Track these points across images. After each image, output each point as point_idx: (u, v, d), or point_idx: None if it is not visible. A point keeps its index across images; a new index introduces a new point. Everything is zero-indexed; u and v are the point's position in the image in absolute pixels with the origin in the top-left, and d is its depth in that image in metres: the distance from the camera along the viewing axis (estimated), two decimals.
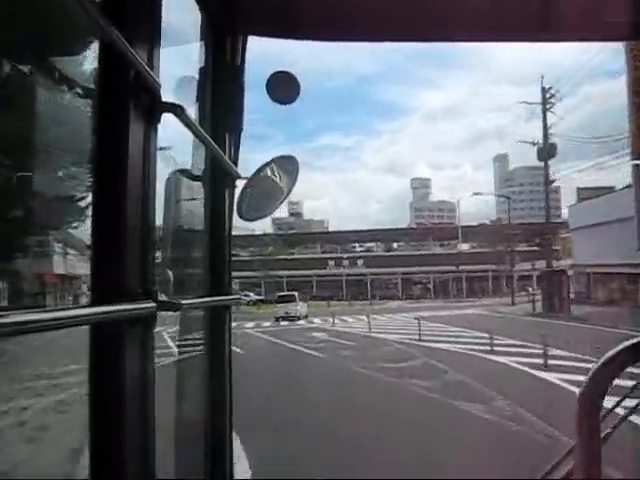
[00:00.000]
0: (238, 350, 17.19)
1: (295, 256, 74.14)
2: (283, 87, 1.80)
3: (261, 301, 57.54)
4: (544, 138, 34.95)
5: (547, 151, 34.73)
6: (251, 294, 61.18)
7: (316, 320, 35.20)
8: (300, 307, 38.85)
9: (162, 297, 1.10)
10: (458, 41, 1.98)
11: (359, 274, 70.59)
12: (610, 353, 1.02)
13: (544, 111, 34.96)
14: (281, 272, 63.34)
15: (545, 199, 36.94)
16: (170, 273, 1.61)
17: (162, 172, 1.29)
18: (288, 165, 1.92)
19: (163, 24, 1.13)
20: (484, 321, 27.17)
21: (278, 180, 1.89)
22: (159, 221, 1.40)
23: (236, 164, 1.77)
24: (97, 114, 1.01)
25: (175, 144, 1.68)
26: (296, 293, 40.70)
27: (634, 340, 1.04)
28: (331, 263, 73.78)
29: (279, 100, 1.80)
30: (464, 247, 74.67)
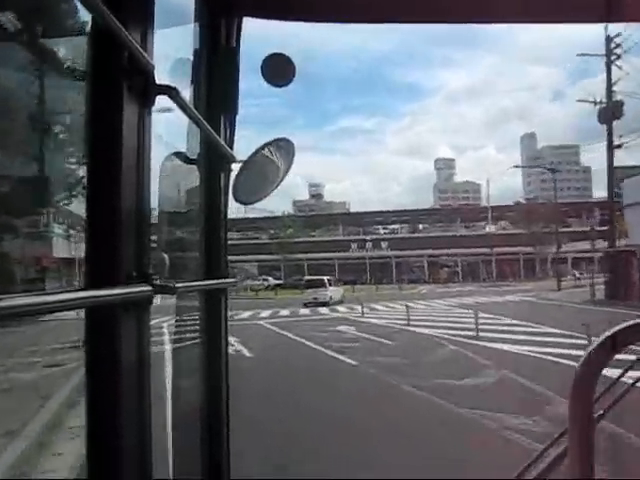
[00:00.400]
0: (245, 351, 14.91)
1: (316, 238, 71.16)
2: (278, 69, 1.78)
3: (279, 286, 55.35)
4: (608, 96, 30.97)
5: (611, 111, 30.50)
6: (270, 278, 59.73)
7: (340, 309, 31.51)
8: (331, 292, 36.77)
9: (158, 280, 1.10)
10: (465, 22, 1.95)
11: (383, 257, 68.00)
12: (603, 336, 1.03)
13: (608, 64, 30.83)
14: (301, 255, 61.41)
15: (608, 169, 31.31)
16: (166, 256, 1.61)
17: (157, 155, 1.28)
18: (284, 148, 1.91)
19: (157, 5, 1.12)
20: (545, 312, 23.17)
21: (274, 163, 1.89)
22: (154, 204, 1.40)
23: (231, 147, 1.77)
24: (90, 96, 1.00)
25: (170, 127, 1.67)
26: (326, 278, 38.43)
27: (626, 324, 1.05)
28: (354, 246, 70.81)
29: (274, 82, 1.79)
30: (492, 228, 72.00)
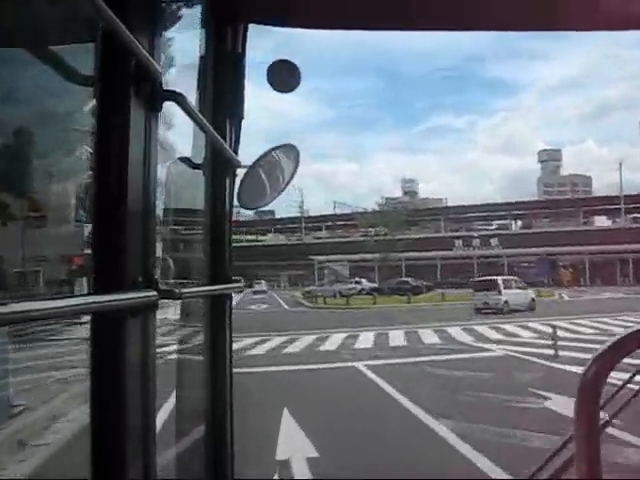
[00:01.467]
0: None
1: (414, 236, 61.97)
2: (284, 76, 1.79)
3: (376, 290, 46.60)
4: None
5: None
6: (363, 281, 53.22)
7: (493, 334, 19.69)
8: (508, 295, 29.32)
9: (163, 286, 1.10)
10: (476, 29, 1.95)
11: (493, 256, 59.69)
12: (609, 342, 1.03)
13: None
14: (399, 254, 55.10)
15: None
16: (171, 261, 1.62)
17: (163, 160, 1.29)
18: (289, 154, 1.92)
19: (164, 12, 1.12)
20: None
21: (279, 169, 1.89)
22: (160, 209, 1.41)
23: (237, 152, 1.77)
24: (98, 102, 1.00)
25: (176, 132, 1.68)
26: (499, 278, 31.12)
27: (631, 330, 1.05)
28: (458, 243, 63.42)
29: (279, 89, 1.80)
30: (621, 221, 62.33)
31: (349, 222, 75.44)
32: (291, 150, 1.92)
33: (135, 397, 1.04)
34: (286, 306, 41.97)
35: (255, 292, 56.78)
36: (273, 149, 1.87)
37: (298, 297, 49.18)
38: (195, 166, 1.73)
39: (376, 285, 51.57)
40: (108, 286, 0.99)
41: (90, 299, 0.95)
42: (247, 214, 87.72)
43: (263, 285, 63.23)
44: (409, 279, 50.19)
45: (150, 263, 1.08)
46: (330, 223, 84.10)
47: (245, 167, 1.82)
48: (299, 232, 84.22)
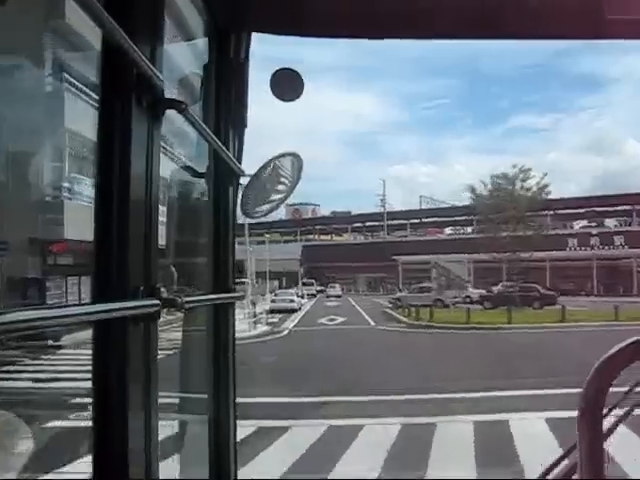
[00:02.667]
0: None
1: (519, 233, 43.37)
2: (287, 84, 1.80)
3: (487, 299, 36.68)
4: None
5: None
6: (469, 288, 42.29)
7: None
8: None
9: (165, 294, 1.10)
10: (476, 39, 1.95)
11: (616, 257, 49.18)
12: (613, 350, 1.03)
13: None
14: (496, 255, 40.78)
15: None
16: (174, 270, 1.62)
17: (166, 169, 1.29)
18: (292, 162, 1.92)
19: (166, 21, 1.13)
20: None
21: (282, 177, 1.90)
22: (162, 218, 1.41)
23: (240, 161, 1.78)
24: (100, 111, 1.01)
25: (178, 141, 1.69)
26: None
27: (634, 338, 1.04)
28: (572, 242, 52.24)
29: (282, 97, 1.80)
30: None
31: (441, 218, 71.30)
32: (294, 158, 1.93)
33: (138, 404, 1.04)
34: (371, 320, 30.19)
35: (328, 296, 53.97)
36: (276, 157, 1.87)
37: (384, 306, 38.59)
38: (198, 175, 1.73)
39: (483, 291, 40.50)
40: (111, 295, 0.99)
41: (93, 307, 0.95)
42: (321, 211, 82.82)
43: (337, 289, 59.09)
44: (534, 284, 37.96)
45: (153, 272, 1.08)
46: (417, 220, 75.49)
47: (248, 176, 1.83)
48: (380, 231, 75.98)
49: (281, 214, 79.68)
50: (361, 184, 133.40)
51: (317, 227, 79.80)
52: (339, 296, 54.75)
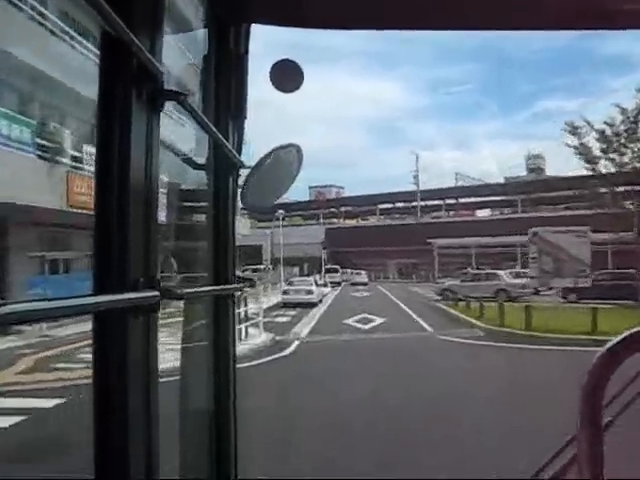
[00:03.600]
0: None
1: (569, 212, 41.82)
2: (286, 76, 1.79)
3: (574, 291, 24.87)
4: None
5: None
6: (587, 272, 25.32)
7: None
8: None
9: (166, 286, 1.10)
10: (477, 29, 1.94)
11: None
12: (612, 342, 1.03)
13: None
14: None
15: None
16: (174, 262, 1.62)
17: (165, 160, 1.29)
18: (292, 153, 1.92)
19: (166, 12, 1.12)
20: None
21: (282, 169, 1.89)
22: (162, 210, 1.41)
23: (240, 153, 1.78)
24: (100, 101, 1.00)
25: (178, 132, 1.68)
26: None
27: (635, 330, 1.04)
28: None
29: (282, 88, 1.80)
30: None
31: (480, 198, 64.68)
32: (294, 150, 1.92)
33: (138, 397, 1.04)
34: (423, 322, 20.93)
35: (354, 284, 47.54)
36: (276, 149, 1.87)
37: (428, 298, 31.76)
38: (198, 166, 1.73)
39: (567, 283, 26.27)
40: (110, 286, 0.99)
41: (92, 299, 0.95)
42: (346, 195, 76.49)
43: (363, 276, 52.77)
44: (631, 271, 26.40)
45: (152, 263, 1.08)
46: (453, 201, 68.45)
47: (248, 167, 1.82)
48: (411, 213, 68.62)
49: (304, 196, 75.21)
50: (386, 170, 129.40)
51: (342, 210, 72.75)
52: (365, 284, 48.62)
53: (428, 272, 53.22)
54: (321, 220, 72.13)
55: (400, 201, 72.29)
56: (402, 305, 28.30)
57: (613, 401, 1.50)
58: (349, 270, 55.64)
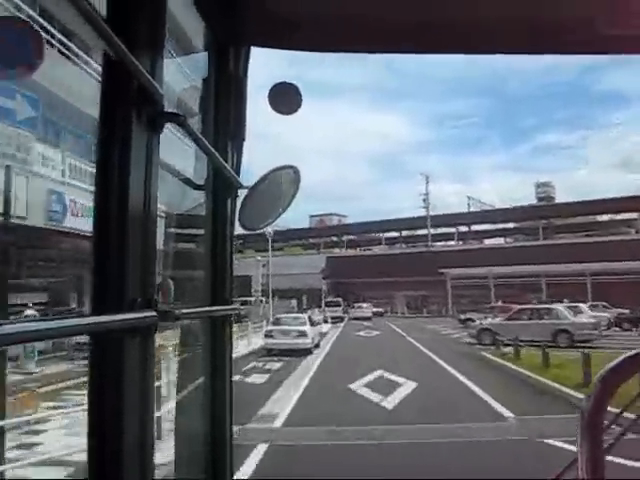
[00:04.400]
0: None
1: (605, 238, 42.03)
2: (285, 98, 1.81)
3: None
4: None
5: None
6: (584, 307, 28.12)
7: None
8: None
9: (163, 307, 1.10)
10: (471, 53, 1.97)
11: None
12: (612, 364, 1.02)
13: None
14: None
15: None
16: (171, 283, 1.62)
17: (164, 181, 1.29)
18: (290, 174, 1.93)
19: (167, 35, 1.14)
20: None
21: (280, 190, 1.90)
22: (161, 230, 1.41)
23: (238, 174, 1.78)
24: (100, 124, 1.01)
25: (178, 154, 1.69)
26: None
27: (635, 351, 1.04)
28: None
29: (280, 111, 1.81)
30: None
31: (495, 225, 59.62)
32: (292, 171, 1.93)
33: (134, 417, 1.03)
34: (493, 401, 11.31)
35: (356, 319, 40.61)
36: (274, 170, 1.88)
37: (455, 339, 27.11)
38: (197, 187, 1.74)
39: (603, 314, 28.06)
40: (107, 307, 0.99)
41: (89, 320, 0.95)
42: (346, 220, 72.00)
43: (366, 309, 45.00)
44: None
45: (150, 284, 1.08)
46: (465, 229, 62.46)
47: (246, 188, 1.83)
48: (420, 241, 63.44)
49: (304, 224, 72.01)
50: (388, 203, 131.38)
51: (344, 239, 68.75)
52: (368, 318, 41.20)
53: (440, 306, 49.43)
54: (322, 249, 67.53)
55: (407, 228, 67.35)
56: (428, 352, 20.87)
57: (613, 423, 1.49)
58: (352, 302, 50.17)
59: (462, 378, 14.64)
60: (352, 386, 13.35)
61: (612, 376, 1.03)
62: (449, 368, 16.60)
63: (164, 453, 1.80)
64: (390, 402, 11.60)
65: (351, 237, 71.32)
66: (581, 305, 28.69)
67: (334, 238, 72.07)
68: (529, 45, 1.82)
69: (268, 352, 20.60)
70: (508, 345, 18.84)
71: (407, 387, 13.19)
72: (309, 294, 51.81)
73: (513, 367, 16.20)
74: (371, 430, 9.23)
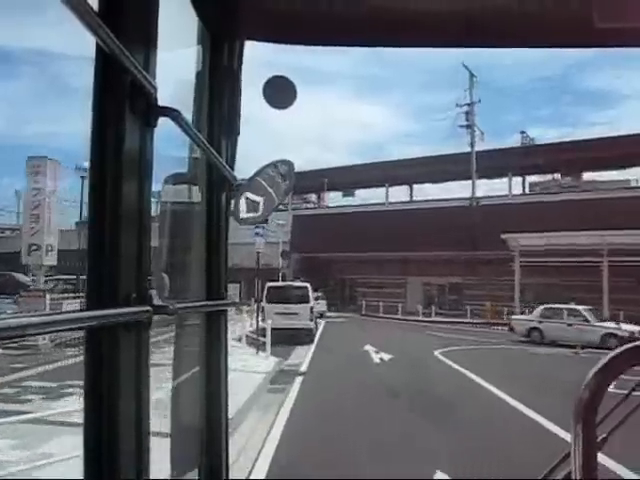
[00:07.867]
0: None
1: None
2: (280, 92, 1.80)
3: None
4: None
5: None
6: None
7: None
8: None
9: (158, 301, 1.10)
10: (473, 47, 1.96)
11: None
12: (606, 358, 1.03)
13: None
14: None
15: None
16: (166, 277, 1.62)
17: (159, 176, 1.29)
18: (284, 169, 1.93)
19: (160, 28, 1.13)
20: None
21: (275, 184, 1.90)
22: (155, 225, 1.41)
23: (233, 168, 1.78)
24: (93, 117, 1.01)
25: (172, 148, 1.69)
26: None
27: (629, 345, 1.04)
28: None
29: (275, 105, 1.81)
30: None
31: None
32: (287, 166, 1.93)
33: (130, 412, 1.04)
34: None
35: (321, 316, 29.01)
36: (268, 165, 1.88)
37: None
38: (191, 182, 1.74)
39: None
40: (102, 302, 0.98)
41: (84, 314, 0.95)
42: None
43: (321, 304, 31.08)
44: None
45: (144, 279, 1.08)
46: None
47: (241, 182, 1.83)
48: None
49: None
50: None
51: (323, 199, 47.82)
52: (321, 315, 29.53)
53: (503, 300, 28.97)
54: (292, 205, 42.75)
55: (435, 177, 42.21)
56: None
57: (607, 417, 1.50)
58: (342, 295, 34.87)
59: None
60: None
61: (606, 370, 1.03)
62: None
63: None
64: None
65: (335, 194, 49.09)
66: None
67: (312, 195, 50.09)
68: (520, 38, 1.82)
69: None
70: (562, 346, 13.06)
71: None
72: (264, 275, 23.23)
73: None
74: None
